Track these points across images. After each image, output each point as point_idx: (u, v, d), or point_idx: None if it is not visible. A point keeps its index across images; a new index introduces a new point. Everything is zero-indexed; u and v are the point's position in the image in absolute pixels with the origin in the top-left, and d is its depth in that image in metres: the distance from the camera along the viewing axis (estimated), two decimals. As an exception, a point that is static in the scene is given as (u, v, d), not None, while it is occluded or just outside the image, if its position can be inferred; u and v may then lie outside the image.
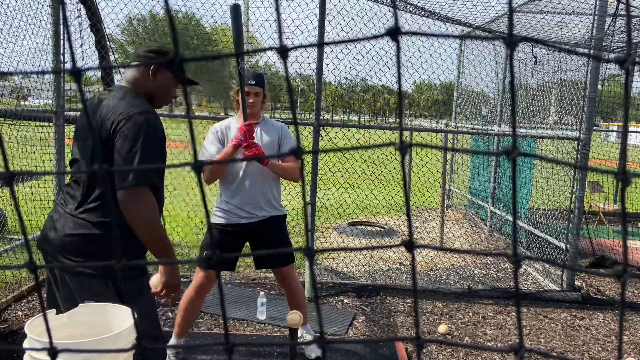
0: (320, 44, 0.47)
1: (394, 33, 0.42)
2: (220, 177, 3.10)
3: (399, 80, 0.44)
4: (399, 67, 0.43)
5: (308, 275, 4.43)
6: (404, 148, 0.43)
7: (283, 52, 0.43)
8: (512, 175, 0.44)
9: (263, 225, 3.10)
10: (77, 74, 0.45)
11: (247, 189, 3.05)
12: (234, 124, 3.11)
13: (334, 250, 0.49)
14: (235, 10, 2.72)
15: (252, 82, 3.01)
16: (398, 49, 0.43)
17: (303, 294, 3.30)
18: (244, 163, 3.02)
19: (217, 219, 3.10)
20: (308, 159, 4.58)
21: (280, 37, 0.43)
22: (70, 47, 0.46)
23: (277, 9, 0.44)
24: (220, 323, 3.90)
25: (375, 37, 0.44)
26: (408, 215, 0.45)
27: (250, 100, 3.01)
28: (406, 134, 7.90)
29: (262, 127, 3.11)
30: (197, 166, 0.46)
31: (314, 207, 4.47)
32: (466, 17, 6.29)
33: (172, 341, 3.16)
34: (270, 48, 0.45)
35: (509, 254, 0.43)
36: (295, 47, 0.44)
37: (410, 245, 0.45)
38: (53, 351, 0.47)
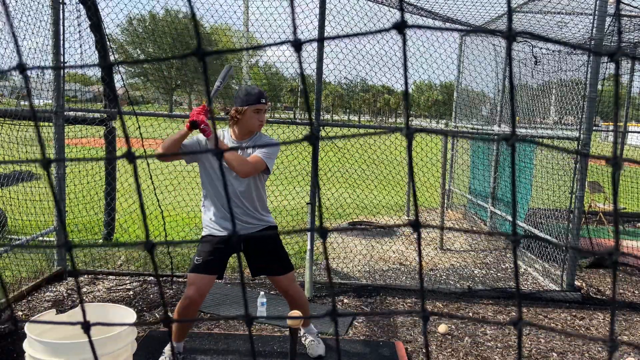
0: (331, 37, 0.47)
1: (401, 27, 0.43)
2: (203, 188, 3.12)
3: (404, 72, 0.45)
4: (405, 60, 0.43)
5: (308, 275, 4.43)
6: (410, 134, 0.44)
7: (297, 45, 0.44)
8: (511, 160, 0.46)
9: (251, 237, 3.11)
10: (109, 68, 0.47)
11: (225, 202, 3.05)
12: (226, 136, 3.13)
13: (344, 229, 0.51)
14: (228, 71, 3.02)
15: (264, 100, 3.04)
16: (404, 42, 0.44)
17: (305, 300, 3.29)
18: (219, 176, 3.02)
19: (205, 230, 3.15)
20: (308, 159, 4.58)
21: (294, 31, 0.44)
22: (104, 42, 0.47)
23: (291, 4, 0.45)
24: (221, 323, 3.90)
25: (381, 30, 0.45)
26: (414, 197, 0.46)
27: (261, 118, 3.06)
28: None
29: (251, 140, 3.11)
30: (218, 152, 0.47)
31: (313, 207, 4.47)
32: (466, 17, 6.29)
33: (169, 347, 3.16)
34: (285, 42, 0.45)
35: (508, 234, 0.45)
36: (309, 41, 0.45)
37: (416, 224, 0.46)
38: (86, 325, 0.49)
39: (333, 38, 0.46)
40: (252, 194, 3.07)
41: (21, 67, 0.47)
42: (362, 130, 6.51)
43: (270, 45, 0.49)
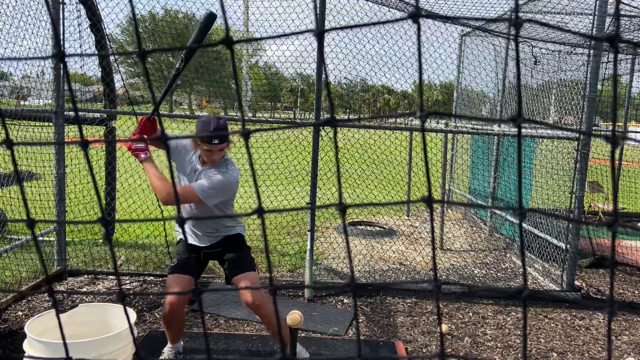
0: (349, 27, 0.48)
1: (416, 15, 0.45)
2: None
3: (419, 59, 0.46)
4: (419, 48, 0.45)
5: (308, 275, 4.43)
6: (423, 116, 0.46)
7: (319, 34, 0.46)
8: (517, 142, 0.48)
9: (218, 246, 3.08)
10: (143, 55, 0.49)
11: (190, 216, 3.03)
12: (194, 157, 3.01)
13: (361, 206, 0.54)
14: (209, 19, 2.72)
15: (216, 141, 2.77)
16: (419, 29, 0.46)
17: (272, 314, 2.91)
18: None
19: (178, 234, 3.18)
20: (308, 159, 4.58)
21: (316, 20, 0.46)
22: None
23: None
24: (221, 323, 3.90)
25: (397, 20, 0.47)
26: (427, 175, 0.48)
27: (214, 157, 2.87)
28: (406, 133, 7.90)
29: (211, 167, 2.94)
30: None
31: (314, 207, 4.46)
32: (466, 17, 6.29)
33: (168, 347, 3.16)
34: (307, 31, 0.47)
35: (515, 208, 0.48)
36: (331, 29, 0.47)
37: (429, 200, 0.48)
38: (121, 294, 0.52)
39: (351, 27, 0.48)
40: (206, 214, 2.98)
41: (60, 55, 0.50)
42: (361, 132, 6.51)
43: (291, 34, 0.50)
